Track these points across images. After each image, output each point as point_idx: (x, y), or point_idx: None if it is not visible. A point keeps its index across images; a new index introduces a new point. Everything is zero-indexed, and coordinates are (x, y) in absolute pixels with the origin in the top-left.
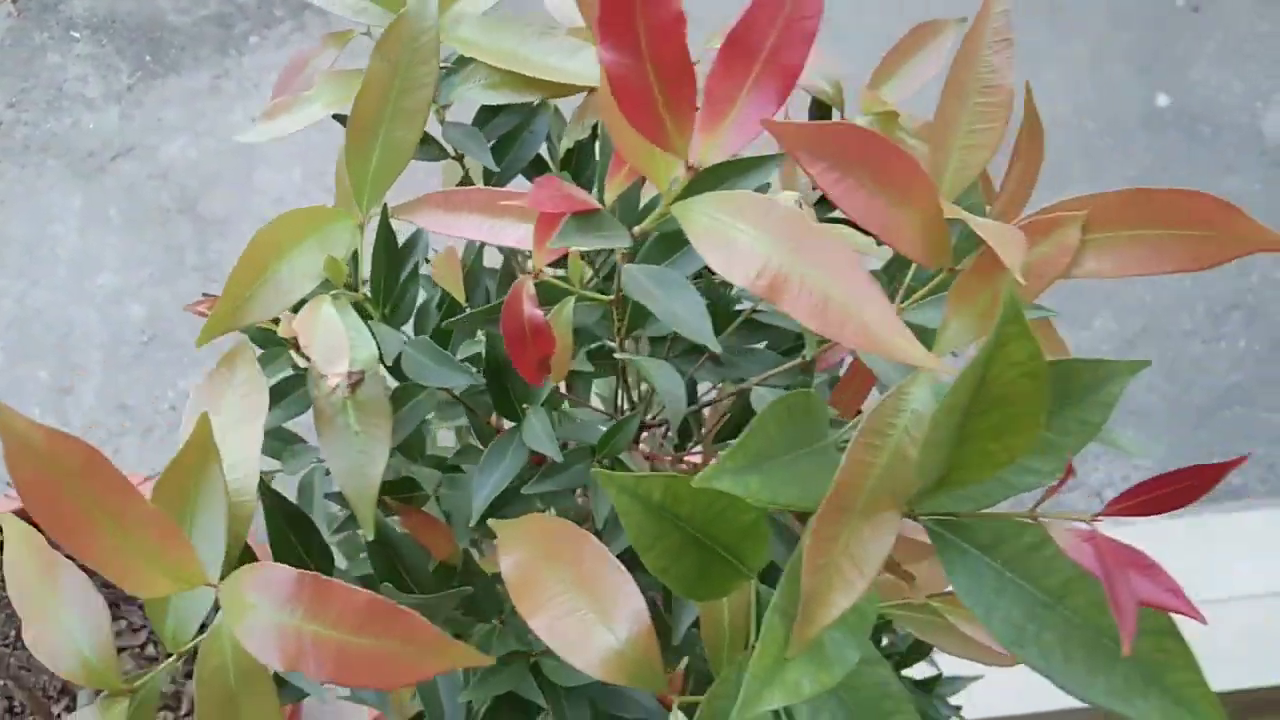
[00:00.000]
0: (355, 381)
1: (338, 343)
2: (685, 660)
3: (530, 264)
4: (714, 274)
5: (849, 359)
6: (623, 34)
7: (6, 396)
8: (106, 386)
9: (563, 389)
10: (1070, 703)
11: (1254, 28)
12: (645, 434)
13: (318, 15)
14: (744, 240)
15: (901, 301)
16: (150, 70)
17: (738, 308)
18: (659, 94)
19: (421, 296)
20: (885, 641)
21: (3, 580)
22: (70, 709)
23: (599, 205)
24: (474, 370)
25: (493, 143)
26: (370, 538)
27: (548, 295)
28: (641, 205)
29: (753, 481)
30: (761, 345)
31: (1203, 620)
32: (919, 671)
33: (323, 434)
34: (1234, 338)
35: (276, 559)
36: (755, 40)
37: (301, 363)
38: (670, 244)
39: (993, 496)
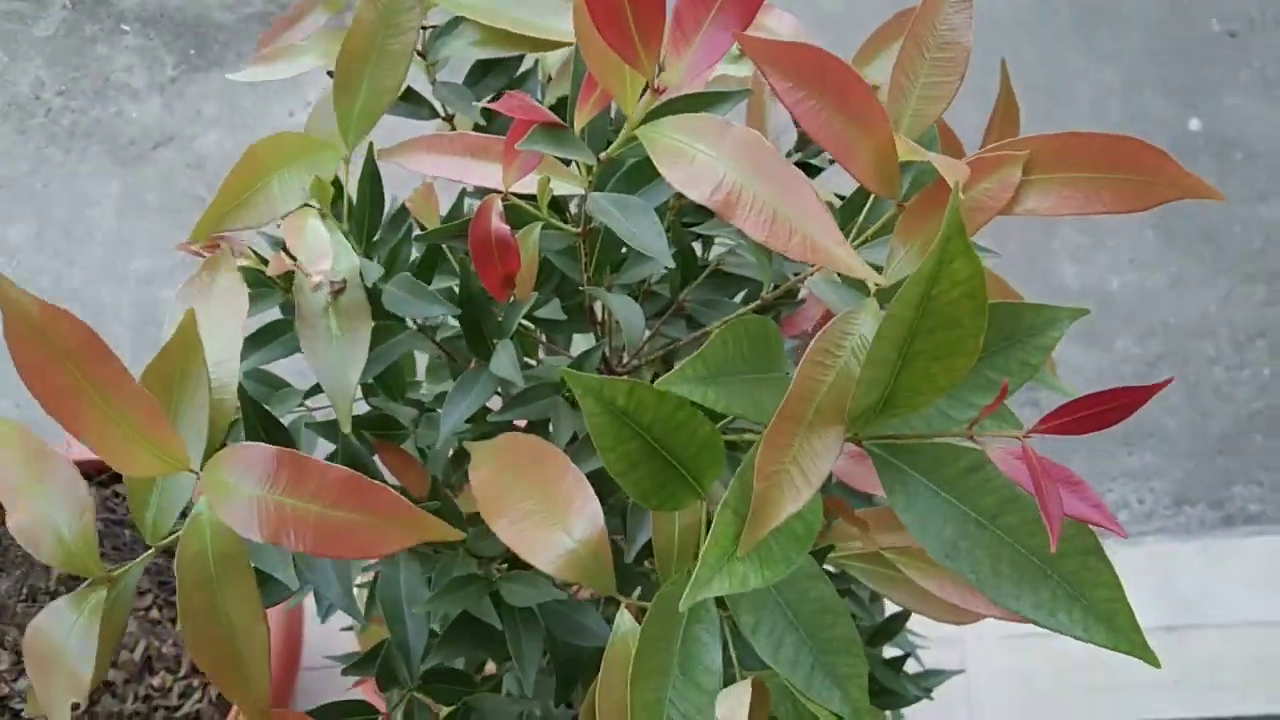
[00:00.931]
0: (338, 289)
1: (322, 245)
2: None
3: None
4: (685, 227)
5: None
6: None
7: None
8: (134, 365)
9: (542, 340)
10: None
11: None
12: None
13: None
14: (702, 159)
15: (854, 240)
16: (194, 64)
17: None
18: (629, 10)
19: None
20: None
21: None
22: None
23: (561, 122)
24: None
25: (484, 101)
26: (346, 430)
27: (517, 219)
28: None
29: (710, 391)
30: (729, 298)
31: (1123, 534)
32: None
33: (305, 337)
34: (1258, 365)
35: None
36: None
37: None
38: (634, 179)
39: (934, 426)
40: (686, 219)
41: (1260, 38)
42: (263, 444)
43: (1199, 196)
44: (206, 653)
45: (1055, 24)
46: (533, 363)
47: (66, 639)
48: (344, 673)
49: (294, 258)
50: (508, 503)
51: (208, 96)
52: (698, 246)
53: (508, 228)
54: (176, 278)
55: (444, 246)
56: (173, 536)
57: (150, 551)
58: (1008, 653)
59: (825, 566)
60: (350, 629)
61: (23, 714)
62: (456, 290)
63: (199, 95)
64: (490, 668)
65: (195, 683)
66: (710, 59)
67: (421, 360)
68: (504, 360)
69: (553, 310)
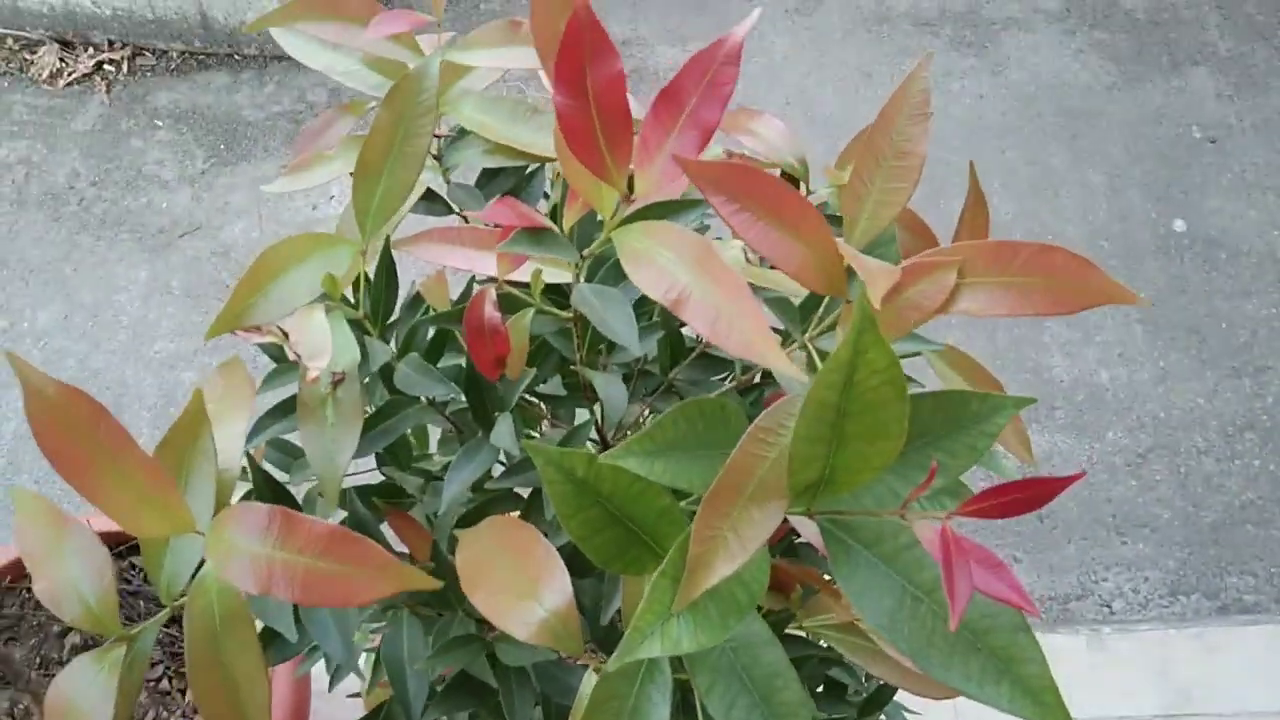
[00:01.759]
0: (337, 381)
1: (322, 342)
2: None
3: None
4: (672, 317)
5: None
6: (573, 84)
7: None
8: (154, 444)
9: (546, 416)
10: None
11: (1270, 161)
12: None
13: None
14: (662, 261)
15: (814, 329)
16: (223, 158)
17: (691, 345)
18: (601, 135)
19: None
20: (851, 691)
21: (35, 603)
22: None
23: (549, 224)
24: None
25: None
26: (332, 511)
27: (512, 306)
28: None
29: (656, 464)
30: (714, 377)
31: (1037, 614)
32: None
33: (303, 423)
34: (1248, 457)
35: None
36: (682, 98)
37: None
38: (619, 272)
39: (883, 502)
40: None
41: (1239, 143)
42: (259, 503)
43: (1123, 302)
44: (211, 703)
45: (1039, 127)
46: (535, 435)
47: (87, 693)
48: None
49: (297, 354)
50: (485, 576)
51: (235, 188)
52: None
53: (499, 315)
54: (198, 361)
55: (453, 331)
56: (185, 597)
57: (165, 611)
58: None
59: (806, 636)
60: (357, 695)
61: None
62: (463, 367)
63: (227, 187)
64: None
65: None
66: (672, 174)
67: (434, 433)
68: (503, 431)
69: (554, 386)
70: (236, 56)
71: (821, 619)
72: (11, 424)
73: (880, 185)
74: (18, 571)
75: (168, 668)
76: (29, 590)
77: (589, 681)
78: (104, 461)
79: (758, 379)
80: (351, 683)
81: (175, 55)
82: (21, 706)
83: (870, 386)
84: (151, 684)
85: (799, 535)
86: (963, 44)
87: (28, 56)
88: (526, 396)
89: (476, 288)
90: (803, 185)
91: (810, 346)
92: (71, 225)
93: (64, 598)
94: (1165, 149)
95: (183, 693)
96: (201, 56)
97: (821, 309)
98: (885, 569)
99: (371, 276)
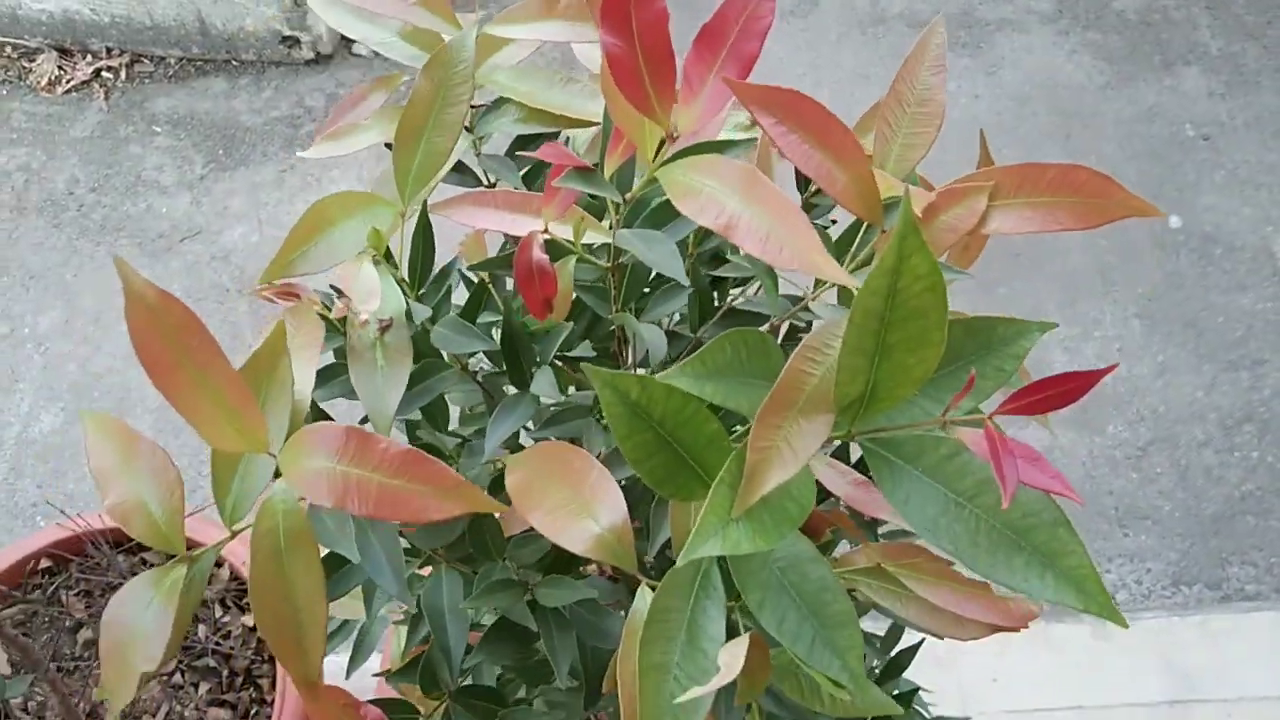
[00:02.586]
0: (385, 326)
1: (372, 287)
2: None
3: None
4: (702, 274)
5: None
6: (619, 24)
7: (64, 454)
8: None
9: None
10: None
11: (1262, 158)
12: None
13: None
14: (709, 191)
15: (848, 265)
16: (222, 163)
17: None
18: (646, 72)
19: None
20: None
21: (47, 599)
22: None
23: (595, 168)
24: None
25: (523, 171)
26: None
27: (554, 254)
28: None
29: (708, 387)
30: None
31: (1080, 500)
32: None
33: (354, 367)
34: (1247, 448)
35: None
36: (722, 33)
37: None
38: (657, 218)
39: (917, 419)
40: (704, 264)
41: (1232, 140)
42: (333, 423)
43: (1144, 214)
44: (272, 623)
45: (1034, 127)
46: (564, 396)
47: (144, 614)
48: (388, 680)
49: (347, 298)
50: (541, 497)
51: (234, 193)
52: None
53: (546, 256)
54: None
55: (489, 288)
56: (246, 526)
57: (227, 536)
58: None
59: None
60: (381, 675)
61: None
62: (495, 343)
63: (226, 192)
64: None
65: None
66: (716, 107)
67: (454, 412)
68: (543, 382)
69: (583, 349)
70: (234, 62)
71: (850, 566)
72: (14, 429)
73: (905, 130)
74: (26, 570)
75: (181, 662)
76: (40, 588)
77: (644, 597)
78: (193, 370)
79: (784, 332)
80: (370, 668)
81: (173, 62)
82: (38, 701)
83: (913, 293)
84: (165, 678)
85: (830, 494)
86: (957, 45)
87: (26, 64)
88: (556, 361)
89: (510, 249)
90: None
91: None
92: (71, 231)
93: (132, 514)
94: (1159, 147)
95: (195, 686)
96: (199, 63)
97: (855, 244)
98: (927, 481)
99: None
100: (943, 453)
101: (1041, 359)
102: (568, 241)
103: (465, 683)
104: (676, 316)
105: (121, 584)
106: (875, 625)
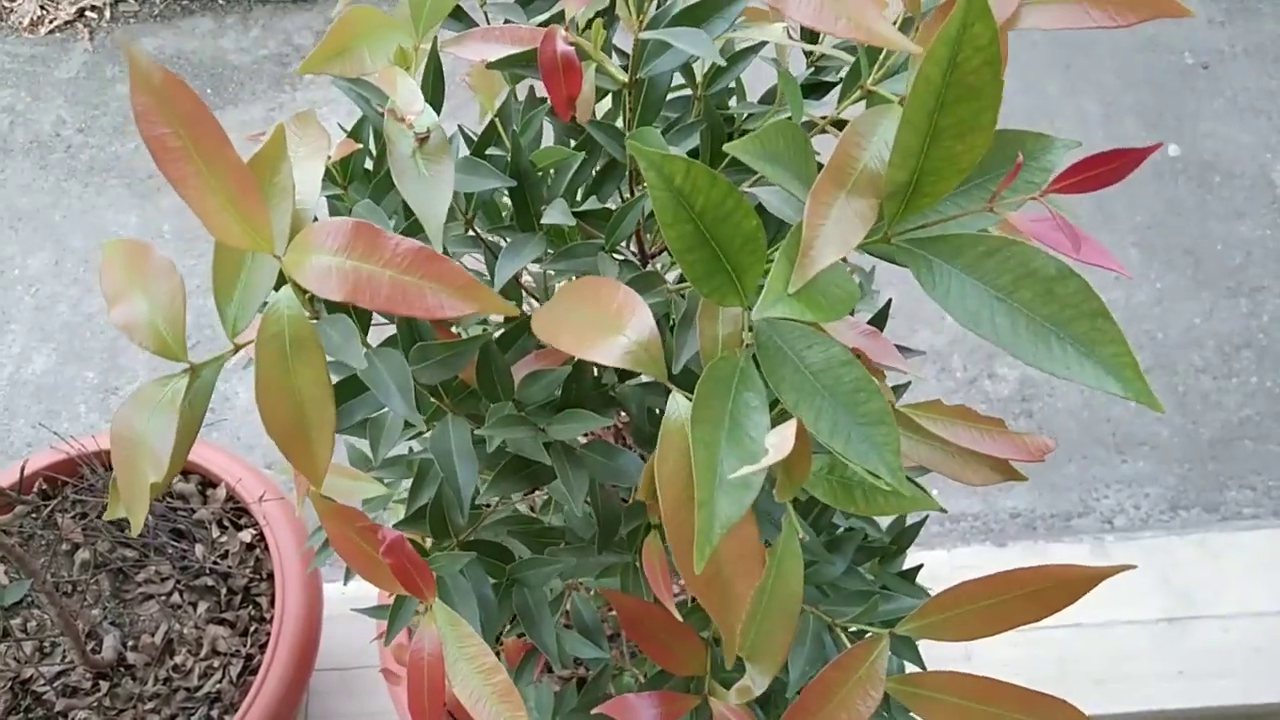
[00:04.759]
0: (422, 139)
1: (413, 92)
2: None
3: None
4: (716, 108)
5: None
6: None
7: (56, 394)
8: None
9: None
10: None
11: (1262, 85)
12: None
13: (368, 88)
14: None
15: (878, 73)
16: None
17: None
18: None
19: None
20: (867, 536)
21: (43, 522)
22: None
23: None
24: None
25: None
26: (439, 245)
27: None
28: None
29: (766, 166)
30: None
31: (1128, 274)
32: None
33: (399, 179)
34: (1245, 374)
35: None
36: None
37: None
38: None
39: (959, 223)
40: (716, 102)
41: (1231, 68)
42: (340, 218)
43: (1174, 15)
44: (279, 426)
45: (1034, 56)
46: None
47: (149, 424)
48: (396, 526)
49: (393, 104)
50: (569, 322)
51: None
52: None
53: (571, 48)
54: (191, 304)
55: (498, 129)
56: (248, 342)
57: (230, 350)
58: (1009, 645)
59: None
60: (368, 611)
61: (45, 697)
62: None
63: None
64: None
65: (216, 663)
66: None
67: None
68: (556, 211)
69: (591, 204)
70: (220, 1)
71: None
72: (7, 370)
73: None
74: (22, 487)
75: (179, 582)
76: (36, 512)
77: (675, 401)
78: (198, 157)
79: None
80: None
81: (158, 1)
82: (32, 626)
83: (970, 68)
84: (162, 598)
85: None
86: None
87: (7, 5)
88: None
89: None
90: None
91: (874, 91)
92: (59, 172)
93: (139, 325)
94: (1158, 76)
95: (194, 605)
96: (185, 1)
97: (881, 56)
98: (967, 278)
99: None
100: (980, 250)
101: None
102: (586, 43)
103: (473, 538)
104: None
105: None
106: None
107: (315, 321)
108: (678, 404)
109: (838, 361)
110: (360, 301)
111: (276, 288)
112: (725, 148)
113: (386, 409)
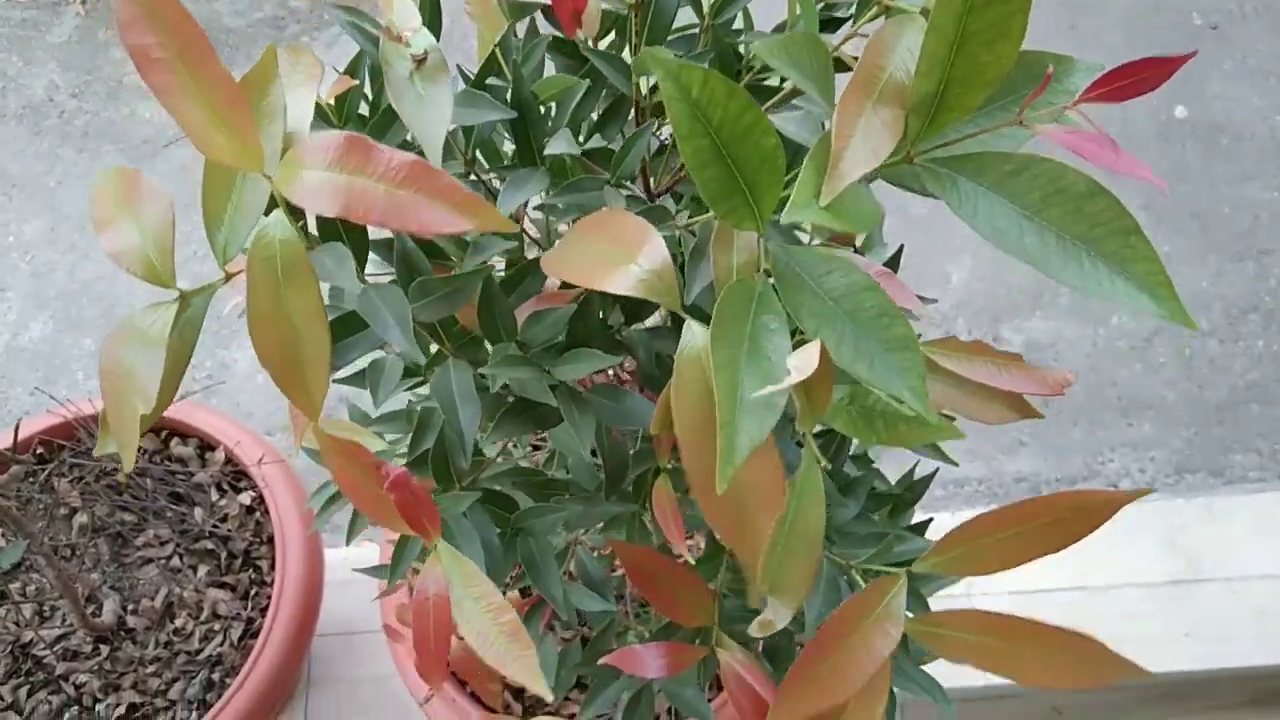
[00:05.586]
0: (420, 59)
1: (409, 8)
2: None
3: None
4: (724, 38)
5: None
6: None
7: (54, 362)
8: None
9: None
10: None
11: (1271, 46)
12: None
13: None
14: None
15: None
16: None
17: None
18: None
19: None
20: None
21: (40, 486)
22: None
23: None
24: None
25: None
26: (439, 164)
27: None
28: None
29: (791, 71)
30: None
31: (1163, 186)
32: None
33: (397, 101)
34: (1252, 338)
35: None
36: None
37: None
38: None
39: (981, 141)
40: (724, 29)
41: (1241, 29)
42: (332, 131)
43: None
44: (273, 356)
45: (1038, 16)
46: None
47: (137, 355)
48: (402, 471)
49: (386, 25)
50: (580, 256)
51: None
52: None
53: None
54: (189, 270)
55: (498, 59)
56: (239, 272)
57: (221, 279)
58: (1013, 608)
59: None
60: (369, 570)
61: (45, 661)
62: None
63: None
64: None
65: (216, 627)
66: None
67: None
68: (561, 141)
69: (596, 141)
70: None
71: None
72: (4, 337)
73: None
74: (17, 450)
75: (178, 546)
76: (33, 477)
77: (690, 329)
78: (184, 71)
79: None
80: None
81: None
82: (31, 589)
83: None
84: (162, 561)
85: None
86: None
87: None
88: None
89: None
90: None
91: (891, 5)
92: (53, 138)
93: (128, 252)
94: (1165, 36)
95: (193, 569)
96: None
97: None
98: (995, 196)
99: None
100: (1007, 168)
101: None
102: None
103: (478, 487)
104: None
105: (116, 469)
106: (889, 469)
107: (310, 252)
108: (694, 332)
109: (859, 287)
110: (354, 217)
111: (267, 213)
112: (751, 47)
113: (385, 354)
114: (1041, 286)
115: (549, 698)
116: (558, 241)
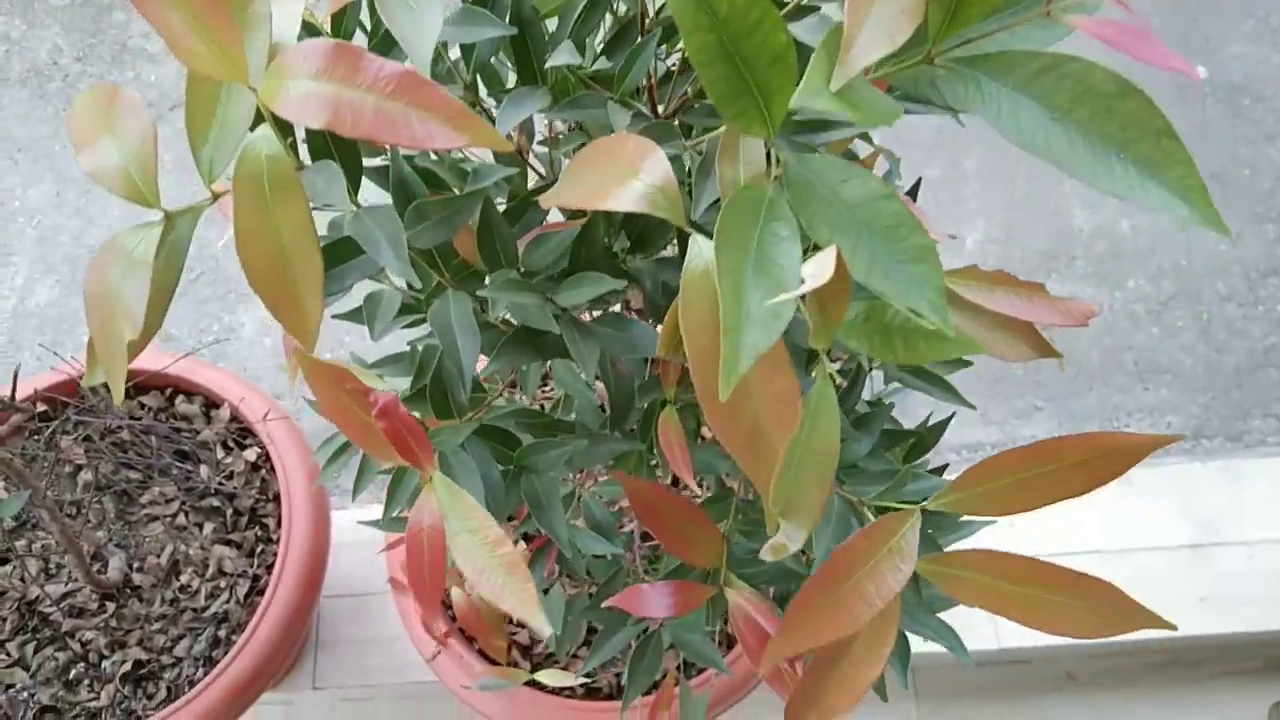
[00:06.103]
0: None
1: None
2: None
3: None
4: None
5: None
6: None
7: (61, 326)
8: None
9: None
10: None
11: None
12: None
13: None
14: None
15: None
16: None
17: None
18: None
19: None
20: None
21: (44, 444)
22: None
23: None
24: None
25: None
26: (428, 75)
27: None
28: None
29: None
30: None
31: (1195, 75)
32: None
33: (385, 8)
34: (1271, 301)
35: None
36: None
37: None
38: None
39: (1000, 44)
40: None
41: None
42: (319, 38)
43: None
44: (263, 277)
45: None
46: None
47: (123, 279)
48: (391, 396)
49: None
50: (582, 179)
51: None
52: None
53: None
54: (195, 234)
55: None
56: (226, 192)
57: (208, 199)
58: None
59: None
60: (374, 523)
61: (51, 617)
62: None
63: None
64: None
65: (222, 584)
66: None
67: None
68: (563, 53)
69: (600, 64)
70: None
71: None
72: (10, 301)
73: None
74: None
75: (184, 503)
76: (38, 434)
77: (697, 243)
78: None
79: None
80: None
81: None
82: (37, 546)
83: None
84: (168, 519)
85: None
86: None
87: None
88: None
89: None
90: None
91: None
92: (57, 102)
93: (108, 170)
94: None
95: (199, 526)
96: None
97: None
98: (1019, 95)
99: None
100: (1034, 67)
101: (1061, 210)
102: None
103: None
104: None
105: (120, 426)
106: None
107: (300, 170)
108: (700, 246)
109: (876, 195)
110: (342, 130)
111: (254, 129)
112: None
113: (383, 286)
114: (1056, 249)
115: (547, 631)
116: (559, 178)
